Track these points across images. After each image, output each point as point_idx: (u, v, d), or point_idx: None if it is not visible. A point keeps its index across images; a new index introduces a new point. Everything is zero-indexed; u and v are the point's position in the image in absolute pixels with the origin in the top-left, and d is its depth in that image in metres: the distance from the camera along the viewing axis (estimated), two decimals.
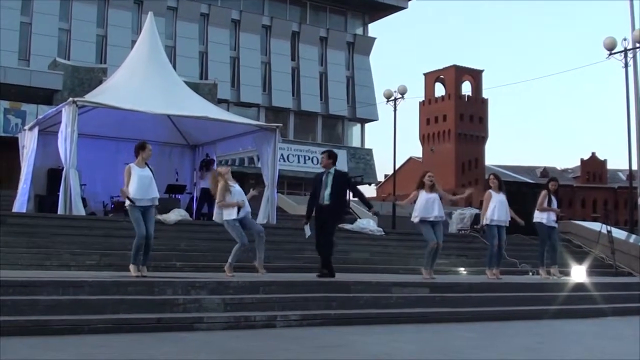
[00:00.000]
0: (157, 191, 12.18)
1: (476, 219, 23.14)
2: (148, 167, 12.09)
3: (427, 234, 14.11)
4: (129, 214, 11.96)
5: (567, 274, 16.99)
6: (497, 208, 15.20)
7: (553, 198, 16.17)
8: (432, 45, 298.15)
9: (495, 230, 15.14)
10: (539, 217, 16.10)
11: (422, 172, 14.93)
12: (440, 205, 14.33)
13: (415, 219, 14.30)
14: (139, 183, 11.77)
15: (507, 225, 15.41)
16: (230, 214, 12.82)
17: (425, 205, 14.14)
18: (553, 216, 16.10)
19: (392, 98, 39.51)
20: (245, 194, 13.26)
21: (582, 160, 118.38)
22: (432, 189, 14.30)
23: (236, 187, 13.06)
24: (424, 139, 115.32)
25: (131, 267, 11.67)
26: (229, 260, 12.67)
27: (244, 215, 12.93)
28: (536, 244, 17.48)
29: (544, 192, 16.21)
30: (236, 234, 12.80)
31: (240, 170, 44.81)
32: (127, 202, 11.84)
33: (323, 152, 14.17)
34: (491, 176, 15.93)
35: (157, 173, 12.51)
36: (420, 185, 14.35)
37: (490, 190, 15.45)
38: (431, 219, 14.12)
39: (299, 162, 59.62)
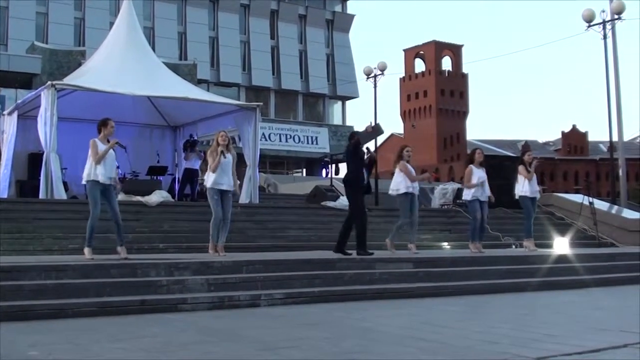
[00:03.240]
0: (114, 171, 12.04)
1: (458, 193, 23.21)
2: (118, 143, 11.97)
3: (407, 208, 14.31)
4: (88, 191, 11.82)
5: (550, 246, 17.16)
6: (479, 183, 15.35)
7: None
8: (411, 21, 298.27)
9: (478, 205, 15.28)
10: (522, 190, 16.13)
11: (401, 146, 15.06)
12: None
13: (395, 191, 14.42)
14: (105, 160, 11.68)
15: (487, 200, 15.56)
16: (210, 183, 12.75)
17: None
18: (535, 186, 16.18)
19: (372, 75, 39.47)
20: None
21: (563, 133, 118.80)
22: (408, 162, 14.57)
23: (227, 158, 12.90)
24: (405, 115, 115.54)
25: (85, 250, 11.54)
26: (210, 236, 12.68)
27: (226, 189, 12.82)
28: (520, 218, 17.56)
29: (521, 167, 16.25)
30: (212, 205, 12.78)
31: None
32: (85, 179, 11.71)
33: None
34: (477, 150, 16.01)
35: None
36: (400, 158, 14.52)
37: (471, 166, 15.55)
38: (411, 191, 14.32)
39: (280, 140, 59.62)
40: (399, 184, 14.45)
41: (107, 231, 13.99)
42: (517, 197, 16.24)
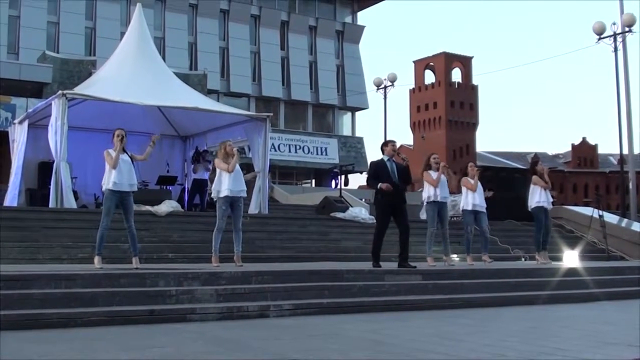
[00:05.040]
0: (135, 178, 12.10)
1: None
2: (126, 152, 11.99)
3: (431, 216, 14.41)
4: (104, 200, 11.91)
5: (559, 259, 17.14)
6: (475, 194, 15.45)
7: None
8: (421, 33, 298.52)
9: (473, 217, 15.38)
10: (537, 201, 16.08)
11: (428, 155, 15.15)
12: (446, 187, 14.83)
13: (425, 199, 14.69)
14: (119, 167, 11.70)
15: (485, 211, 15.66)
16: (223, 191, 12.68)
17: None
18: (550, 197, 16.23)
19: (382, 86, 39.58)
20: (245, 181, 13.20)
21: (573, 145, 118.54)
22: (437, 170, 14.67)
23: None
24: (414, 126, 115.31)
25: (95, 258, 11.62)
26: (212, 247, 12.68)
27: (237, 196, 12.78)
28: (530, 230, 17.54)
29: (535, 177, 16.23)
30: (218, 215, 12.74)
31: None
32: (105, 187, 11.78)
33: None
34: (470, 164, 16.20)
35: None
36: (428, 167, 14.64)
37: (466, 178, 15.70)
38: (439, 200, 14.53)
39: (290, 151, 59.57)
40: (425, 193, 14.64)
41: (117, 240, 14.02)
42: (530, 208, 16.19)
